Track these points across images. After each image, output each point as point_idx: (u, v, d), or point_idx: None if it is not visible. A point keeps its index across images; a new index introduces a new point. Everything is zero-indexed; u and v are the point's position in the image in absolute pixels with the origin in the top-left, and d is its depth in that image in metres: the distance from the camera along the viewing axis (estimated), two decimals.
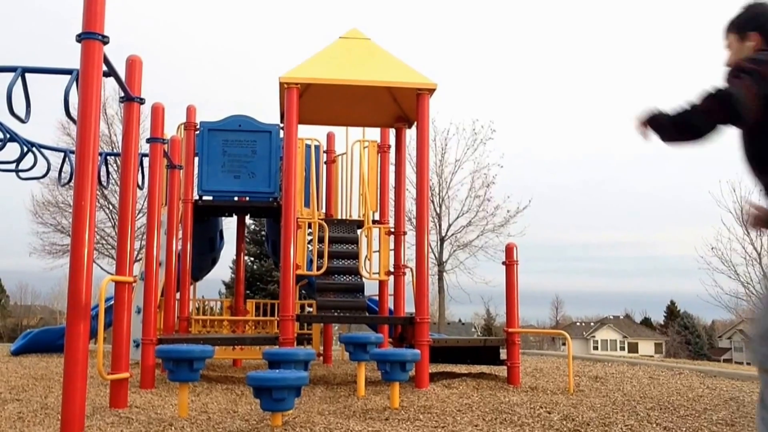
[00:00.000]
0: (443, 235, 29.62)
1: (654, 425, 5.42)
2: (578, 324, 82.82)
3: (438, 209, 29.64)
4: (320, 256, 8.93)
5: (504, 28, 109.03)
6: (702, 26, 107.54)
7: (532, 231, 32.00)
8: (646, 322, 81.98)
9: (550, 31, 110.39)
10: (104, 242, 27.14)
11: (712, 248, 30.54)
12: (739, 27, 3.58)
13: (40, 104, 6.45)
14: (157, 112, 8.06)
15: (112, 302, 6.39)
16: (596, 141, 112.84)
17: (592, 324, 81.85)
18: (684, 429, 5.31)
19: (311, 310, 11.96)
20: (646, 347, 72.11)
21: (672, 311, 74.48)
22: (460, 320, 76.12)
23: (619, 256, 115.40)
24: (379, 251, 9.37)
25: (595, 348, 72.80)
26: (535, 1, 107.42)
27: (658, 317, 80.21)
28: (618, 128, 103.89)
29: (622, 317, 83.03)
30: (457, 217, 29.84)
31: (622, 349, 72.35)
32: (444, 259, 29.53)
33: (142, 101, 6.60)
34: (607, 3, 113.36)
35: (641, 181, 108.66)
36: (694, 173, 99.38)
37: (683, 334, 66.53)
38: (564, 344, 33.86)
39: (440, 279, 29.41)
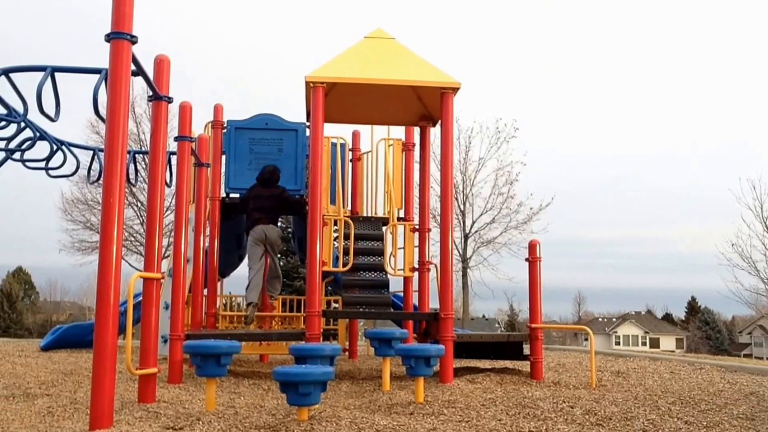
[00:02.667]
0: (467, 232, 29.74)
1: (675, 419, 5.45)
2: (600, 319, 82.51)
3: (462, 206, 29.78)
4: (346, 252, 8.99)
5: (527, 27, 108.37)
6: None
7: (554, 227, 32.15)
8: (668, 318, 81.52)
9: (572, 30, 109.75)
10: (132, 239, 27.42)
11: (732, 245, 30.37)
12: None
13: (71, 103, 6.57)
14: (185, 111, 8.15)
15: (141, 299, 6.47)
16: (618, 138, 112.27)
17: (614, 319, 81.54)
18: (705, 423, 5.33)
19: (337, 306, 12.03)
20: (667, 342, 71.75)
21: (693, 307, 74.06)
22: (483, 316, 76.06)
23: (641, 252, 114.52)
24: (403, 248, 9.42)
25: (617, 343, 72.47)
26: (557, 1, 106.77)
27: (680, 313, 79.71)
28: (641, 125, 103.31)
29: (643, 313, 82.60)
30: (481, 214, 30.01)
31: (644, 344, 71.97)
32: (468, 256, 29.60)
33: (170, 100, 6.67)
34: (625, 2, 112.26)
35: (663, 178, 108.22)
36: (715, 171, 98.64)
37: (704, 330, 66.08)
38: (586, 339, 33.73)
39: (464, 275, 29.53)
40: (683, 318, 77.05)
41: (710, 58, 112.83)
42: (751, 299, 32.21)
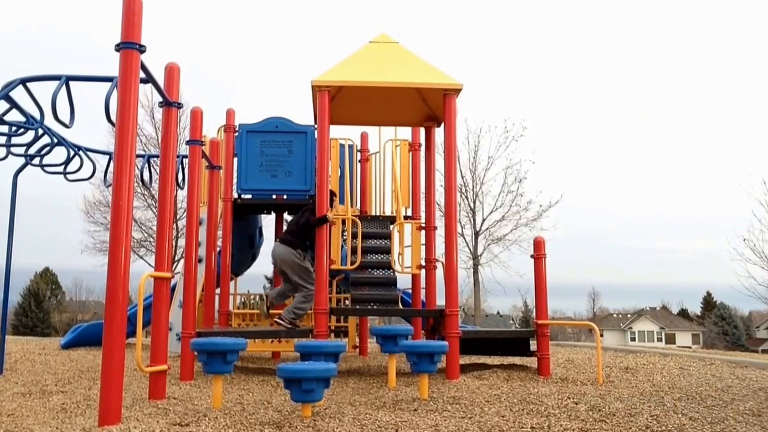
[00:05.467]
0: (477, 229, 29.94)
1: (680, 415, 5.44)
2: (615, 315, 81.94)
3: (472, 204, 30.04)
4: (354, 251, 9.13)
5: (536, 28, 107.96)
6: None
7: (568, 223, 32.52)
8: (683, 314, 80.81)
9: (580, 29, 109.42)
10: (152, 239, 27.71)
11: (743, 239, 30.15)
12: None
13: (95, 109, 6.76)
14: (196, 116, 8.34)
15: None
16: (631, 132, 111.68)
17: (628, 315, 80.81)
18: (710, 419, 5.31)
19: (349, 303, 12.17)
20: (683, 338, 71.15)
21: (709, 302, 73.30)
22: (498, 312, 76.08)
23: (656, 247, 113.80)
24: (411, 246, 9.52)
25: (633, 339, 71.70)
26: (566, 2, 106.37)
27: (695, 308, 79.06)
28: (654, 120, 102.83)
29: (658, 308, 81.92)
30: (491, 212, 30.26)
31: (660, 340, 71.31)
32: (479, 253, 29.78)
33: (179, 106, 6.85)
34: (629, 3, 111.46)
35: (675, 172, 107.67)
36: (727, 166, 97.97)
37: (720, 325, 65.33)
38: (603, 335, 33.69)
39: (475, 272, 29.69)
40: (699, 314, 76.34)
41: (719, 49, 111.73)
42: (766, 294, 31.76)
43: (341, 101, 9.01)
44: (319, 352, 6.26)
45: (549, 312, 8.55)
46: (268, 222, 14.75)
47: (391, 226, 10.05)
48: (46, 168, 9.99)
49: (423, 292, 10.54)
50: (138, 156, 9.52)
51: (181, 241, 24.17)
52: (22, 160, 9.56)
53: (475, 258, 29.64)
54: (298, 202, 10.78)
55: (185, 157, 9.36)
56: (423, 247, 9.72)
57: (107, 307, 5.00)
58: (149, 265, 26.50)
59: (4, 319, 9.35)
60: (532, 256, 8.50)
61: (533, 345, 8.67)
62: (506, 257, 30.35)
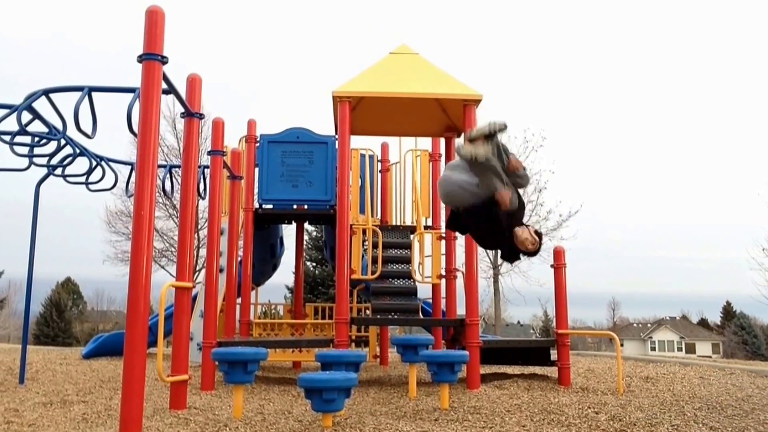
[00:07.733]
0: None
1: (700, 425, 5.43)
2: (635, 325, 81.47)
3: None
4: (375, 261, 9.14)
5: (554, 37, 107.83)
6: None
7: (587, 233, 32.44)
8: (703, 323, 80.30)
9: (599, 38, 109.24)
10: (173, 249, 27.84)
11: (762, 249, 29.92)
12: None
13: (118, 119, 6.81)
14: (218, 126, 8.39)
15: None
16: (647, 141, 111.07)
17: (649, 325, 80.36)
18: (730, 429, 5.30)
19: (369, 313, 12.19)
20: (703, 348, 70.74)
21: (728, 312, 72.83)
22: (518, 322, 75.86)
23: (675, 257, 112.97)
24: (431, 255, 9.54)
25: (653, 349, 71.32)
26: (586, 12, 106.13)
27: (715, 318, 78.47)
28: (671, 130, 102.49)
29: (678, 318, 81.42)
30: None
31: (680, 349, 70.92)
32: (498, 263, 29.75)
33: (201, 116, 6.89)
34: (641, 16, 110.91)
35: (695, 181, 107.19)
36: (746, 175, 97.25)
37: (740, 335, 64.80)
38: (623, 344, 33.46)
39: (495, 282, 29.64)
40: (719, 323, 75.92)
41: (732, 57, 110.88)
42: None
43: (362, 112, 9.06)
44: (339, 361, 6.27)
45: (569, 321, 8.55)
46: (289, 232, 14.84)
47: (412, 236, 10.07)
48: (68, 178, 10.07)
49: (443, 302, 10.52)
50: (160, 166, 9.60)
51: (203, 251, 24.34)
52: (44, 171, 9.64)
53: (495, 267, 29.60)
54: (319, 212, 10.83)
55: (207, 167, 9.42)
56: (443, 257, 9.73)
57: (128, 317, 5.01)
58: (170, 275, 26.58)
59: (26, 329, 9.44)
60: (552, 266, 8.50)
61: (554, 354, 8.64)
62: (526, 266, 30.29)
